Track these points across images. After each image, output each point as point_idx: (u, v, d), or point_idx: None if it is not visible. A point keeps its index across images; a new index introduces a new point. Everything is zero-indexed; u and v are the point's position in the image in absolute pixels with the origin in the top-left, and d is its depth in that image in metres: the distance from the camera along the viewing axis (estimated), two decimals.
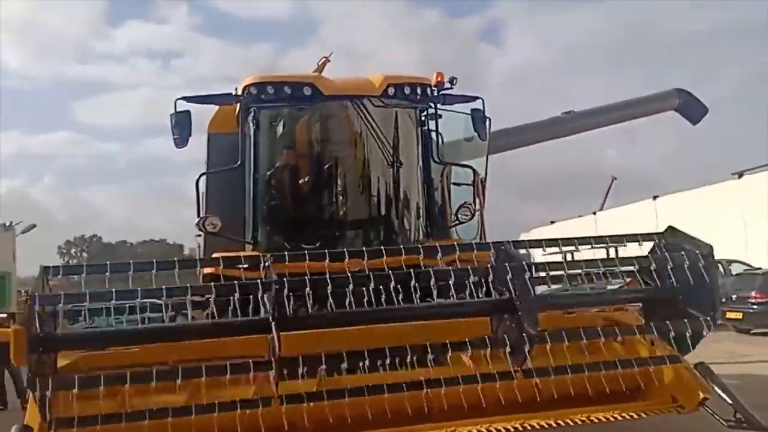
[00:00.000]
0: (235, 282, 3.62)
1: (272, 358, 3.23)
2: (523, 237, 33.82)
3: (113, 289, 3.41)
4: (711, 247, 4.09)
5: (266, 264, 3.56)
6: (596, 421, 4.23)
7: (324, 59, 7.01)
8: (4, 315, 10.15)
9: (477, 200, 6.20)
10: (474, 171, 6.07)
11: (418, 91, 5.51)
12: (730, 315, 13.78)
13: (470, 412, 3.99)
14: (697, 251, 4.08)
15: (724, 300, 14.30)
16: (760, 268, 15.37)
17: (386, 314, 3.70)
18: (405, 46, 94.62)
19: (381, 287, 3.71)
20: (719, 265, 16.88)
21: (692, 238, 4.22)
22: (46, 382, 3.10)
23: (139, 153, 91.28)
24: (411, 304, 3.76)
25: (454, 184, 6.44)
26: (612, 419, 4.27)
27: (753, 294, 13.50)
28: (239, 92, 5.48)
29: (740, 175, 22.34)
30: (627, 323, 4.40)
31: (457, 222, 5.85)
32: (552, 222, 34.59)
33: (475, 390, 3.96)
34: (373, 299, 3.69)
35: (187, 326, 3.65)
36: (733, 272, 16.43)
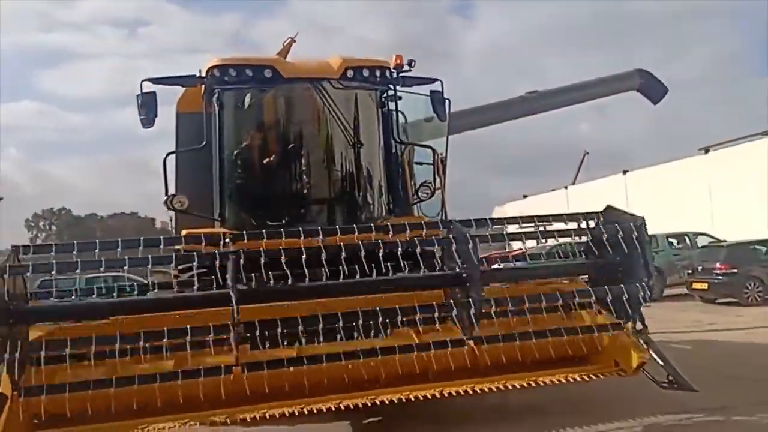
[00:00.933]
0: (194, 253, 3.90)
1: (232, 326, 3.52)
2: (497, 211, 34.45)
3: (78, 260, 3.65)
4: (643, 219, 4.47)
5: (225, 241, 3.82)
6: (542, 384, 4.61)
7: (290, 39, 7.18)
8: None
9: (438, 179, 6.51)
10: (434, 150, 6.36)
11: (377, 73, 5.74)
12: (696, 285, 14.43)
13: (420, 379, 4.34)
14: (631, 224, 4.45)
15: (690, 271, 14.98)
16: (725, 241, 15.96)
17: (339, 288, 3.99)
18: (375, 19, 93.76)
19: (337, 263, 4.03)
20: (686, 238, 17.72)
21: (627, 214, 4.59)
22: (15, 352, 3.34)
23: (107, 124, 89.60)
24: (365, 278, 4.08)
25: (416, 163, 6.73)
26: (557, 382, 4.65)
27: (718, 265, 14.03)
28: (203, 74, 5.65)
29: (707, 150, 22.97)
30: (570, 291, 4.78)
31: (417, 200, 6.17)
32: (525, 196, 35.14)
33: (427, 357, 4.31)
34: (328, 274, 4.02)
35: (151, 300, 3.89)
36: (699, 244, 17.04)
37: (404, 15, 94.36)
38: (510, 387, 4.45)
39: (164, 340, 3.46)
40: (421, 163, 6.60)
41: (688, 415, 4.98)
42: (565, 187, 32.24)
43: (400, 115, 6.83)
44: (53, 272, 3.57)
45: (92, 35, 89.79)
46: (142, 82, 5.53)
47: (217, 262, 3.92)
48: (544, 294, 4.54)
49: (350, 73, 5.62)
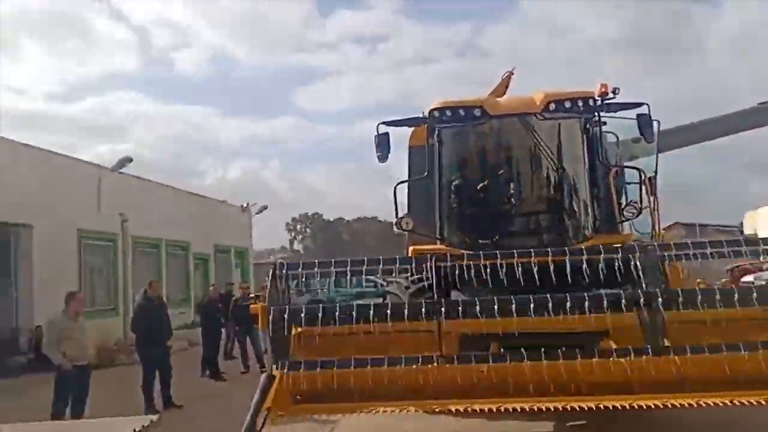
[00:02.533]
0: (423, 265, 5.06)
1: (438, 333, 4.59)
2: (749, 216, 30.59)
3: (333, 269, 5.05)
4: None
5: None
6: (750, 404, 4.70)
7: (508, 73, 8.24)
8: (253, 295, 13.01)
9: (646, 198, 6.84)
10: (640, 171, 6.71)
11: (579, 104, 6.32)
12: None
13: (622, 389, 4.78)
14: None
15: None
16: None
17: (535, 304, 4.75)
18: (608, 16, 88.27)
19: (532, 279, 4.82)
20: None
21: None
22: (282, 342, 4.79)
23: (352, 135, 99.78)
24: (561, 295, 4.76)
25: (627, 183, 7.13)
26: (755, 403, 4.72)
27: None
28: (426, 115, 6.85)
29: None
30: None
31: (623, 219, 6.59)
32: None
33: (628, 365, 4.73)
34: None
35: (383, 308, 5.04)
36: None
37: (640, 10, 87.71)
38: (715, 404, 4.51)
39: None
40: (629, 183, 7.00)
41: None
42: None
43: (611, 135, 7.34)
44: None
45: (339, 53, 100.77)
46: (378, 125, 6.88)
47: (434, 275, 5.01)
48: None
49: (552, 106, 6.31)
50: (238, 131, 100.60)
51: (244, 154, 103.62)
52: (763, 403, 4.56)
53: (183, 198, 22.95)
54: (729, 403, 4.58)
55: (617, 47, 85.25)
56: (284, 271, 5.04)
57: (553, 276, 4.92)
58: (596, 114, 6.51)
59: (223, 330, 13.48)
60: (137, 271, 18.60)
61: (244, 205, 28.70)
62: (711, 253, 4.98)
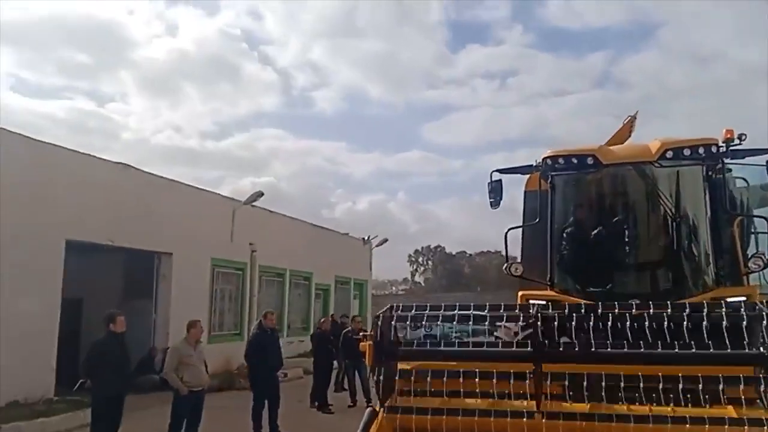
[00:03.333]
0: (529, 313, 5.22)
1: (533, 383, 4.74)
2: None
3: (440, 313, 5.38)
4: None
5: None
6: None
7: (629, 118, 8.28)
8: (364, 332, 13.39)
9: None
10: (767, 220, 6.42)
11: (700, 151, 6.21)
12: None
13: None
14: None
15: None
16: None
17: (633, 356, 4.79)
18: (756, 41, 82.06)
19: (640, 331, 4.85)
20: None
21: None
22: (386, 380, 5.13)
23: (478, 168, 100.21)
24: (664, 350, 4.78)
25: (756, 233, 6.85)
26: None
27: None
28: (538, 162, 7.04)
29: None
30: None
31: (748, 271, 6.34)
32: None
33: None
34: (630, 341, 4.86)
35: (483, 351, 5.32)
36: None
37: None
38: None
39: (488, 383, 4.92)
40: (757, 233, 6.72)
41: None
42: None
43: (742, 180, 7.11)
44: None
45: (468, 89, 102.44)
46: (492, 172, 7.18)
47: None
48: None
49: (669, 154, 6.24)
50: (368, 165, 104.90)
51: (372, 188, 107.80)
52: None
53: (307, 230, 24.33)
54: None
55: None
56: (393, 313, 5.46)
57: (666, 330, 4.91)
58: (720, 161, 6.38)
59: (335, 362, 13.91)
60: (263, 299, 20.00)
61: (365, 237, 29.75)
62: None
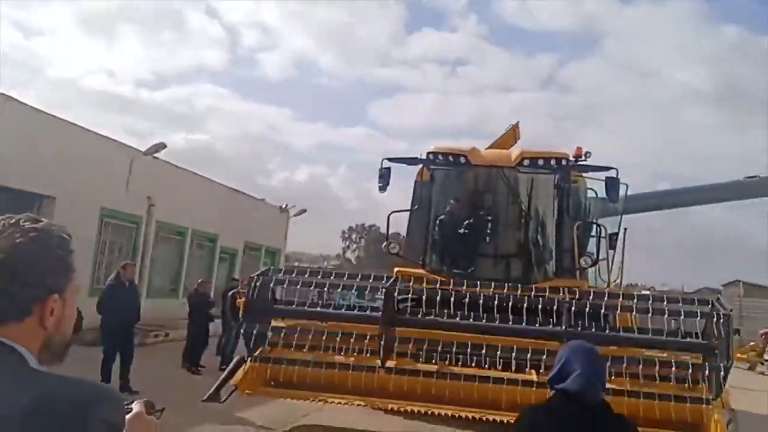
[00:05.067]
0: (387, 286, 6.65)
1: (380, 342, 6.17)
2: None
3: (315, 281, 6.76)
4: (731, 309, 5.91)
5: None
6: None
7: (511, 126, 9.88)
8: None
9: (608, 252, 8.32)
10: (599, 226, 8.18)
11: (552, 162, 7.73)
12: None
13: None
14: (722, 312, 5.89)
15: None
16: None
17: (468, 326, 6.32)
18: (694, 63, 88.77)
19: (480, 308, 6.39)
20: None
21: (721, 304, 6.00)
22: (258, 334, 6.40)
23: (420, 152, 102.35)
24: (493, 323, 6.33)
25: (593, 236, 8.59)
26: None
27: None
28: (423, 156, 8.39)
29: None
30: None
31: (580, 266, 8.04)
32: None
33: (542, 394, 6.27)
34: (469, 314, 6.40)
35: (344, 313, 6.70)
36: None
37: (727, 58, 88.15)
38: None
39: (348, 340, 6.34)
40: (592, 236, 8.47)
41: None
42: None
43: (591, 191, 8.83)
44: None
45: (419, 72, 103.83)
46: (382, 160, 8.35)
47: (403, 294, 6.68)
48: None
49: (526, 162, 7.70)
50: (311, 135, 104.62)
51: (313, 159, 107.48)
52: None
53: (218, 191, 24.21)
54: None
55: (699, 96, 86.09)
56: (270, 275, 6.79)
57: (509, 308, 6.42)
58: (568, 173, 7.99)
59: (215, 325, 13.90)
60: (158, 256, 20.44)
61: (283, 206, 30.12)
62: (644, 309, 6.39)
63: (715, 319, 5.93)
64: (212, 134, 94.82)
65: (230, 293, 13.03)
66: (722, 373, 5.82)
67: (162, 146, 19.88)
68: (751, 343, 23.08)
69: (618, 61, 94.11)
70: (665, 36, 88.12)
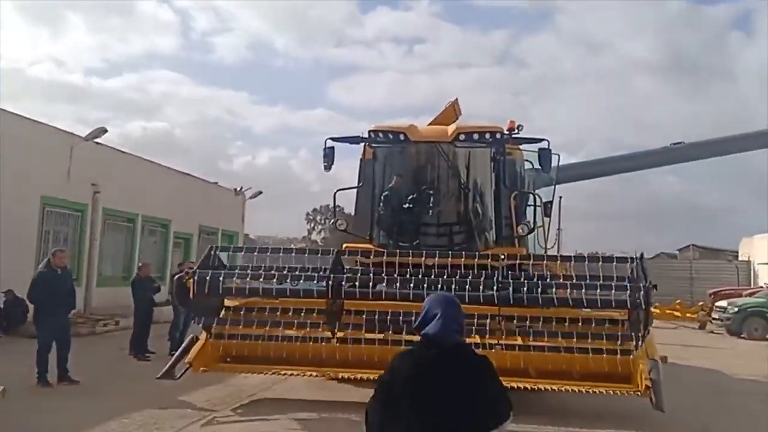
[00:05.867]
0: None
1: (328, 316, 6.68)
2: (745, 242, 32.71)
3: (263, 265, 7.21)
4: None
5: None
6: (571, 391, 6.83)
7: (450, 103, 10.40)
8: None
9: (542, 219, 8.97)
10: (535, 196, 8.81)
11: (487, 136, 8.25)
12: None
13: None
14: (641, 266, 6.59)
15: None
16: None
17: (408, 296, 6.85)
18: (645, 34, 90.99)
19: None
20: None
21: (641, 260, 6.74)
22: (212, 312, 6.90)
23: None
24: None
25: (529, 205, 9.21)
26: (584, 392, 6.91)
27: None
28: (364, 135, 8.80)
29: None
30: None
31: (518, 234, 8.65)
32: None
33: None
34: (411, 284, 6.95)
35: (292, 289, 7.14)
36: None
37: (677, 29, 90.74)
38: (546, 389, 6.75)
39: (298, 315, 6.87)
40: (529, 205, 9.10)
41: None
42: None
43: (527, 163, 9.44)
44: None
45: (375, 51, 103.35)
46: (326, 139, 8.64)
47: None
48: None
49: (462, 137, 8.19)
50: (270, 118, 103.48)
51: (274, 142, 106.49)
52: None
53: (167, 175, 24.11)
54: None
55: (651, 67, 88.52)
56: (216, 252, 7.25)
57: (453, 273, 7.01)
58: (502, 146, 8.56)
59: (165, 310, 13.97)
60: (107, 244, 20.45)
61: (238, 188, 30.19)
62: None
63: (635, 273, 6.61)
64: (170, 121, 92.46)
65: (176, 277, 13.11)
66: (641, 324, 6.52)
67: (102, 131, 19.68)
68: (700, 303, 24.33)
69: (570, 34, 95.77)
70: (614, 8, 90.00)
